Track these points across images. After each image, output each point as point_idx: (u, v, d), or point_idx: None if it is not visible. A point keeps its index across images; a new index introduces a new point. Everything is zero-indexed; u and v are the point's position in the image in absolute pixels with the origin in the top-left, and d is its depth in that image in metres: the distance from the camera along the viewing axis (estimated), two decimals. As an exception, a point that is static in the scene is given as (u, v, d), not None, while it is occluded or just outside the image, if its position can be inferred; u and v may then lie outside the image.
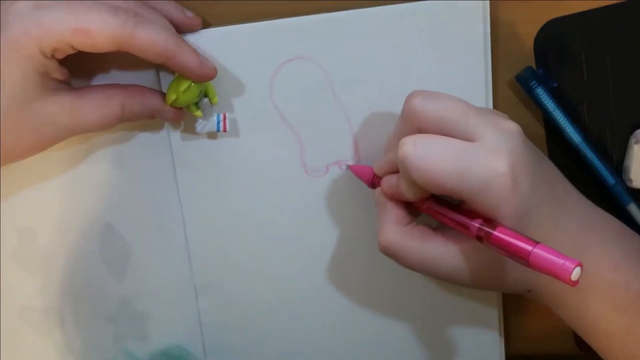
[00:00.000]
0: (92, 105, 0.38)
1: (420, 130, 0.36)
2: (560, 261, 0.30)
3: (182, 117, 0.41)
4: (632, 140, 0.42)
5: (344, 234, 0.45)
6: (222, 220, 0.45)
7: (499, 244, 0.33)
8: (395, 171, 0.38)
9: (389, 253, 0.38)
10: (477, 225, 0.34)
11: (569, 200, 0.38)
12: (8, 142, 0.37)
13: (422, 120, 0.35)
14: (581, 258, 0.33)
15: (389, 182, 0.39)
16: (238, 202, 0.44)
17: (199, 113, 0.41)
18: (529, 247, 0.31)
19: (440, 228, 0.39)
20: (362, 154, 0.43)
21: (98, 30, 0.35)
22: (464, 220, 0.35)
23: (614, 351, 0.38)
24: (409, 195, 0.37)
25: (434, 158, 0.34)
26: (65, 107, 0.37)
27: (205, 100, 0.41)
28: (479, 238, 0.34)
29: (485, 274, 0.37)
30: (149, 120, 0.42)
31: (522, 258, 0.32)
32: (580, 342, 0.48)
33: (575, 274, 0.30)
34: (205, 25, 0.42)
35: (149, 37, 0.36)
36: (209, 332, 0.47)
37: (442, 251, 0.37)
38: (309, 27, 0.41)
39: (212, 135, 0.43)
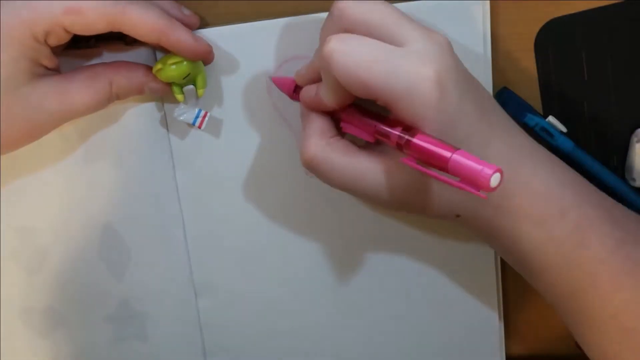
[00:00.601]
0: (80, 86, 0.38)
1: (347, 32, 0.35)
2: (479, 167, 0.30)
3: (168, 91, 0.41)
4: (634, 139, 0.42)
5: (344, 234, 0.45)
6: (221, 221, 0.45)
7: (418, 151, 0.32)
8: (317, 81, 0.37)
9: (312, 167, 0.37)
10: (397, 132, 0.34)
11: (499, 122, 0.36)
12: (1, 130, 0.36)
13: (350, 21, 0.34)
14: (512, 179, 0.33)
15: (308, 91, 0.38)
16: (238, 202, 0.44)
17: (180, 97, 0.40)
18: (447, 153, 0.31)
19: (366, 146, 0.38)
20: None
21: (89, 8, 0.35)
22: (384, 128, 0.34)
23: (548, 287, 0.37)
24: (330, 100, 0.36)
25: (360, 56, 0.33)
26: (53, 91, 0.37)
27: (192, 87, 0.40)
28: (399, 147, 0.33)
29: (409, 194, 0.36)
30: (139, 96, 0.41)
31: (441, 165, 0.31)
32: (580, 342, 0.48)
33: (494, 179, 0.30)
34: (205, 25, 0.42)
35: (141, 14, 0.36)
36: (208, 332, 0.47)
37: (366, 167, 0.36)
38: (308, 26, 0.41)
39: (211, 135, 0.43)
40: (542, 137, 0.42)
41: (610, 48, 0.42)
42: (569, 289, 0.37)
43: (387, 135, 0.34)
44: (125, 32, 0.36)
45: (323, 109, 0.37)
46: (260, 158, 0.44)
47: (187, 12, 0.40)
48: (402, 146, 0.33)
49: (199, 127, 0.41)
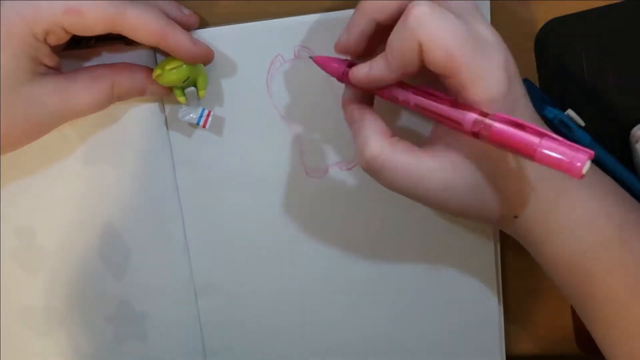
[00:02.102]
0: (81, 86, 0.38)
1: None
2: (571, 153, 0.28)
3: (169, 93, 0.41)
4: (632, 140, 0.42)
5: (344, 234, 0.45)
6: (221, 221, 0.45)
7: (500, 138, 0.30)
8: (365, 48, 0.37)
9: (375, 167, 0.35)
10: (474, 117, 0.31)
11: (539, 122, 0.37)
12: (2, 129, 0.36)
13: None
14: (564, 183, 0.33)
15: (360, 69, 0.36)
16: (238, 203, 0.44)
17: (182, 99, 0.40)
18: (536, 139, 0.29)
19: (425, 145, 0.37)
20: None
21: (89, 9, 0.35)
22: (457, 113, 0.32)
23: (594, 291, 0.37)
24: (390, 69, 0.34)
25: (452, 26, 0.32)
26: (54, 90, 0.37)
27: (194, 89, 0.40)
28: (474, 134, 0.31)
29: (471, 192, 0.35)
30: (140, 97, 0.41)
31: (527, 152, 0.29)
32: (580, 342, 0.48)
33: (587, 166, 0.28)
34: (205, 25, 0.42)
35: (140, 16, 0.36)
36: (208, 332, 0.47)
37: (431, 166, 0.35)
38: (308, 26, 0.41)
39: (212, 136, 0.43)
40: (560, 130, 0.42)
41: (610, 48, 0.42)
42: (612, 294, 0.36)
43: (458, 121, 0.32)
44: (124, 34, 0.36)
45: (379, 83, 0.36)
46: (260, 158, 0.44)
47: (186, 11, 0.40)
48: (479, 133, 0.31)
49: (204, 127, 0.41)
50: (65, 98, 0.38)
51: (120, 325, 0.46)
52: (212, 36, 0.41)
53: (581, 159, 0.28)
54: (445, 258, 0.45)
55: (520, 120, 0.30)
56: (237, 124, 0.43)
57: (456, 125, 0.33)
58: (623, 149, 0.43)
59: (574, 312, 0.47)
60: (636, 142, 0.42)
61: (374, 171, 0.36)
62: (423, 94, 0.35)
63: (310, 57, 0.39)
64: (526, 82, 0.42)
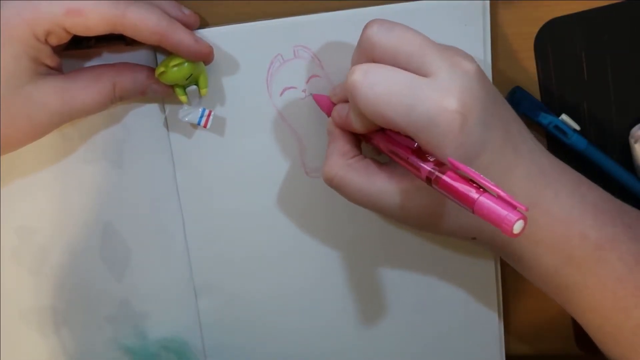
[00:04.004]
0: (82, 86, 0.38)
1: (374, 61, 0.35)
2: (503, 212, 0.30)
3: (170, 93, 0.41)
4: (632, 140, 0.42)
5: (344, 234, 0.45)
6: (221, 221, 0.45)
7: (446, 189, 0.33)
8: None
9: (332, 185, 0.38)
10: (429, 168, 0.34)
11: (524, 146, 0.37)
12: (3, 129, 0.36)
13: (377, 50, 0.34)
14: (532, 207, 0.33)
15: (339, 110, 0.38)
16: (238, 202, 0.44)
17: (183, 98, 0.40)
18: (475, 195, 0.31)
19: (388, 164, 0.38)
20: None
21: (91, 10, 0.35)
22: (416, 161, 0.35)
23: (570, 303, 0.38)
24: (356, 126, 0.36)
25: (382, 89, 0.33)
26: (55, 90, 0.37)
27: (195, 88, 0.40)
28: (428, 181, 0.34)
29: (426, 215, 0.37)
30: (141, 98, 0.41)
31: (467, 205, 0.32)
32: (580, 342, 0.48)
33: (517, 227, 0.30)
34: (205, 25, 0.42)
35: (142, 15, 0.36)
36: (208, 332, 0.47)
37: (384, 189, 0.37)
38: (308, 26, 0.41)
39: (212, 136, 0.43)
40: (555, 135, 0.42)
41: (610, 48, 0.42)
42: (591, 305, 0.37)
43: (417, 168, 0.34)
44: (126, 34, 0.36)
45: (351, 130, 0.38)
46: (260, 158, 0.44)
47: (187, 11, 0.40)
48: (432, 181, 0.33)
49: (205, 127, 0.41)
50: (66, 98, 0.38)
51: (120, 326, 0.46)
52: (212, 36, 0.41)
53: (511, 219, 0.30)
54: (446, 259, 0.45)
55: (461, 177, 0.32)
56: (236, 124, 0.43)
57: (414, 171, 0.35)
58: (623, 149, 0.43)
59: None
60: (636, 142, 0.42)
61: (331, 187, 0.38)
62: (391, 140, 0.37)
63: (310, 94, 0.42)
64: (518, 90, 0.42)
